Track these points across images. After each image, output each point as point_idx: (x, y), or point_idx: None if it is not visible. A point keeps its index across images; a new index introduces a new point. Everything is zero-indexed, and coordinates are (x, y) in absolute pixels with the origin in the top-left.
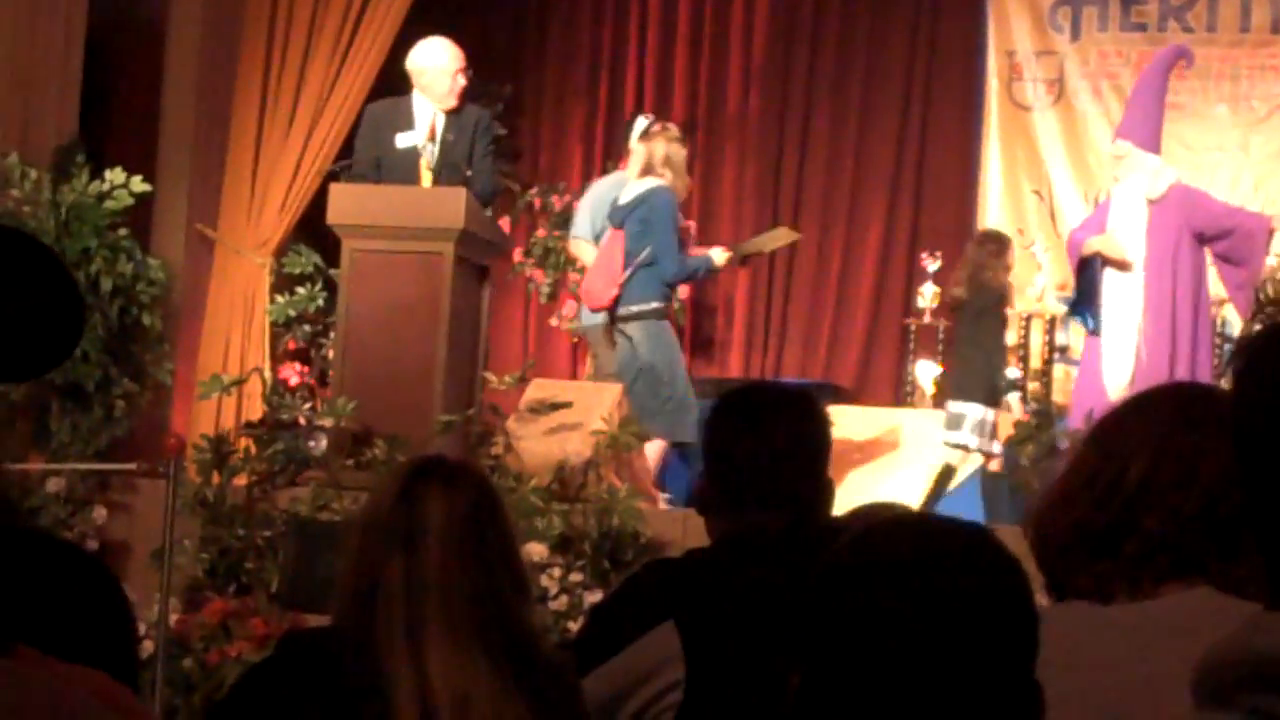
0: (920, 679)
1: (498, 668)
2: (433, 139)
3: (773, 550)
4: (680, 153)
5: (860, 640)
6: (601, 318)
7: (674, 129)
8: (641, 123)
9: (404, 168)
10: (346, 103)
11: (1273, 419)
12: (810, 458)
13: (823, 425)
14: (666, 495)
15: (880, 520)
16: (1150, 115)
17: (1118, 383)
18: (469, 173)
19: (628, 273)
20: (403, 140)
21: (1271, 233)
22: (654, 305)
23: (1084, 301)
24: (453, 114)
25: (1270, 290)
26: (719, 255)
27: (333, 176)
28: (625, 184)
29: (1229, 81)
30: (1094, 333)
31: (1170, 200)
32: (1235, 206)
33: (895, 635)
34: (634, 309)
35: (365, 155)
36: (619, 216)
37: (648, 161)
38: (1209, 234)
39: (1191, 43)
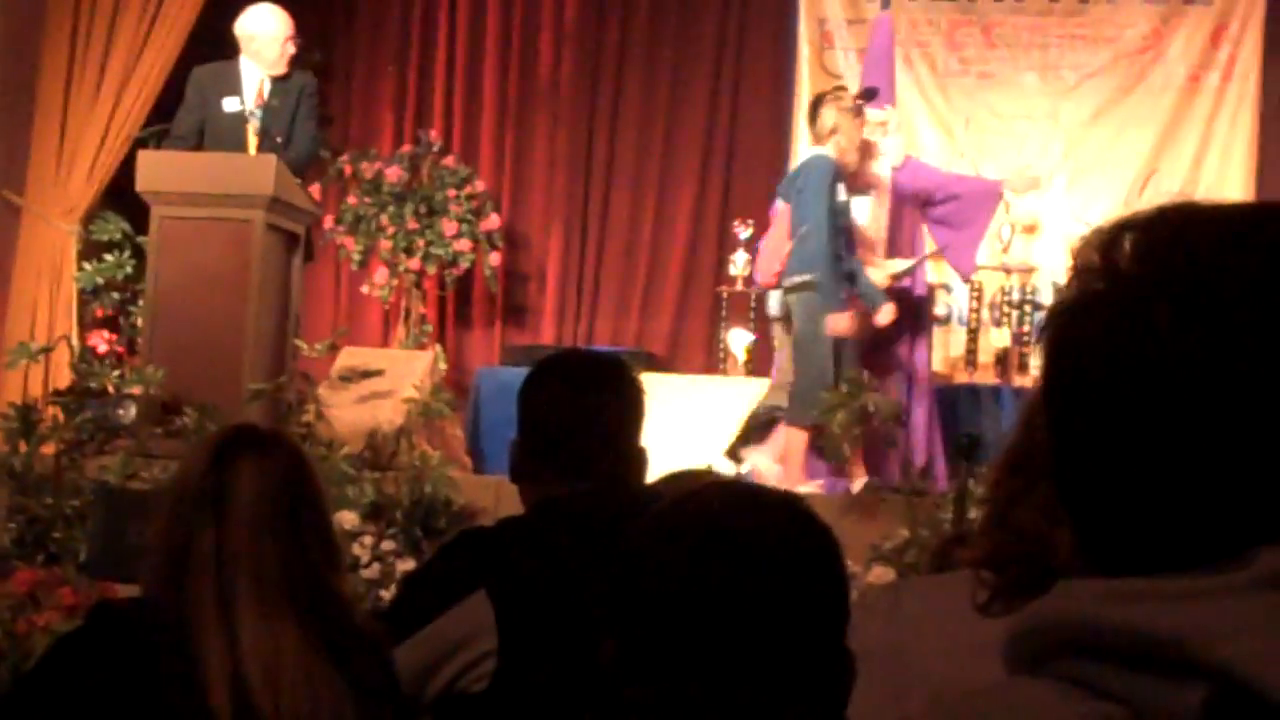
0: (733, 644)
1: (309, 637)
2: (260, 105)
3: (585, 517)
4: (849, 122)
5: (674, 605)
6: (778, 296)
7: (846, 97)
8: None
9: (230, 133)
10: (155, 67)
11: (1080, 384)
12: (623, 425)
13: (636, 392)
14: (819, 483)
15: (693, 488)
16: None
17: None
18: (279, 139)
19: (789, 245)
20: (230, 105)
21: (999, 196)
22: (807, 277)
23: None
24: (279, 80)
25: (1084, 252)
26: (885, 314)
27: (142, 143)
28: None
29: (1038, 50)
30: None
31: (907, 167)
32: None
33: (708, 601)
34: (794, 280)
35: (189, 119)
36: (783, 189)
37: (817, 130)
38: (937, 198)
39: (1001, 12)
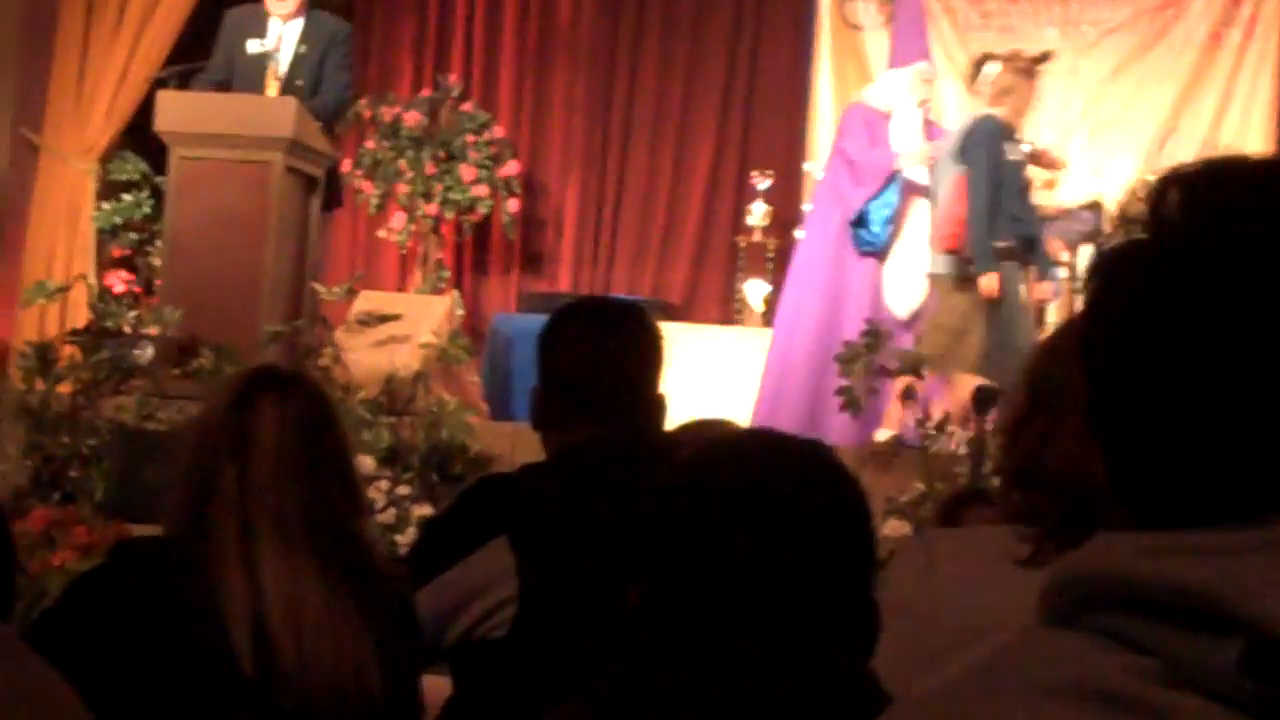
0: (760, 591)
1: (330, 576)
2: (279, 48)
3: (605, 464)
4: (1024, 84)
5: (702, 554)
6: (947, 262)
7: (1022, 58)
8: None
9: (252, 75)
10: (176, 8)
11: (1121, 332)
12: (644, 372)
13: (656, 340)
14: None
15: (720, 435)
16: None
17: (908, 305)
18: (300, 83)
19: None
20: (253, 46)
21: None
22: (1008, 244)
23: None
24: (309, 24)
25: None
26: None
27: (161, 83)
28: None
29: (1059, 5)
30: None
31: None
32: None
33: (737, 549)
34: (997, 245)
35: (217, 59)
36: (954, 151)
37: (982, 88)
38: None
39: None
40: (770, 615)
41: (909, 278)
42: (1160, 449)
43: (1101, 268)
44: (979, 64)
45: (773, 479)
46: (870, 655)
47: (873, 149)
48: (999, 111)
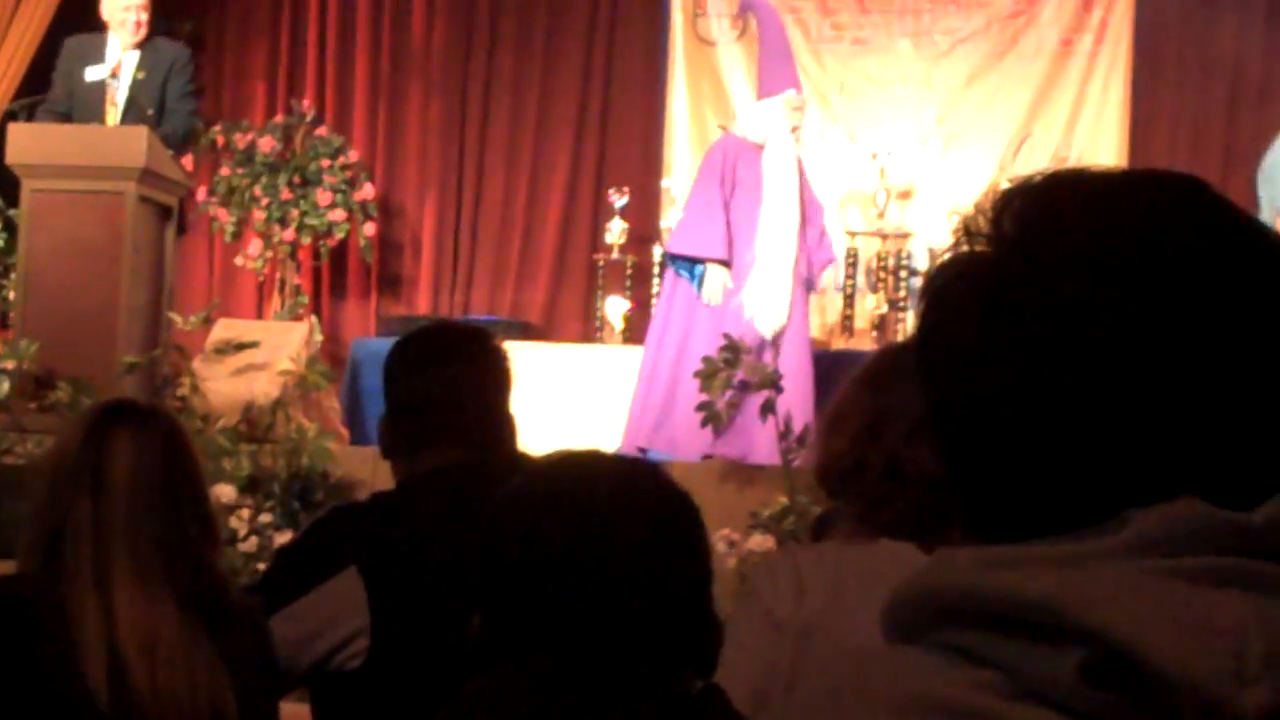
0: (595, 612)
1: (186, 611)
2: (116, 75)
3: (456, 490)
4: None
5: (534, 575)
6: None
7: None
8: None
9: (91, 102)
10: (24, 40)
11: (955, 343)
12: (491, 395)
13: (502, 361)
14: None
15: (549, 457)
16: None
17: (771, 324)
18: (150, 111)
19: None
20: (91, 74)
21: None
22: None
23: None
24: (147, 51)
25: (972, 218)
26: None
27: (11, 115)
28: None
29: (911, 16)
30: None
31: None
32: None
33: (567, 569)
34: None
35: (59, 89)
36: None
37: None
38: None
39: None
40: (607, 634)
41: (771, 297)
42: (996, 461)
43: (938, 280)
44: None
45: (598, 497)
46: (713, 669)
47: (745, 180)
48: None
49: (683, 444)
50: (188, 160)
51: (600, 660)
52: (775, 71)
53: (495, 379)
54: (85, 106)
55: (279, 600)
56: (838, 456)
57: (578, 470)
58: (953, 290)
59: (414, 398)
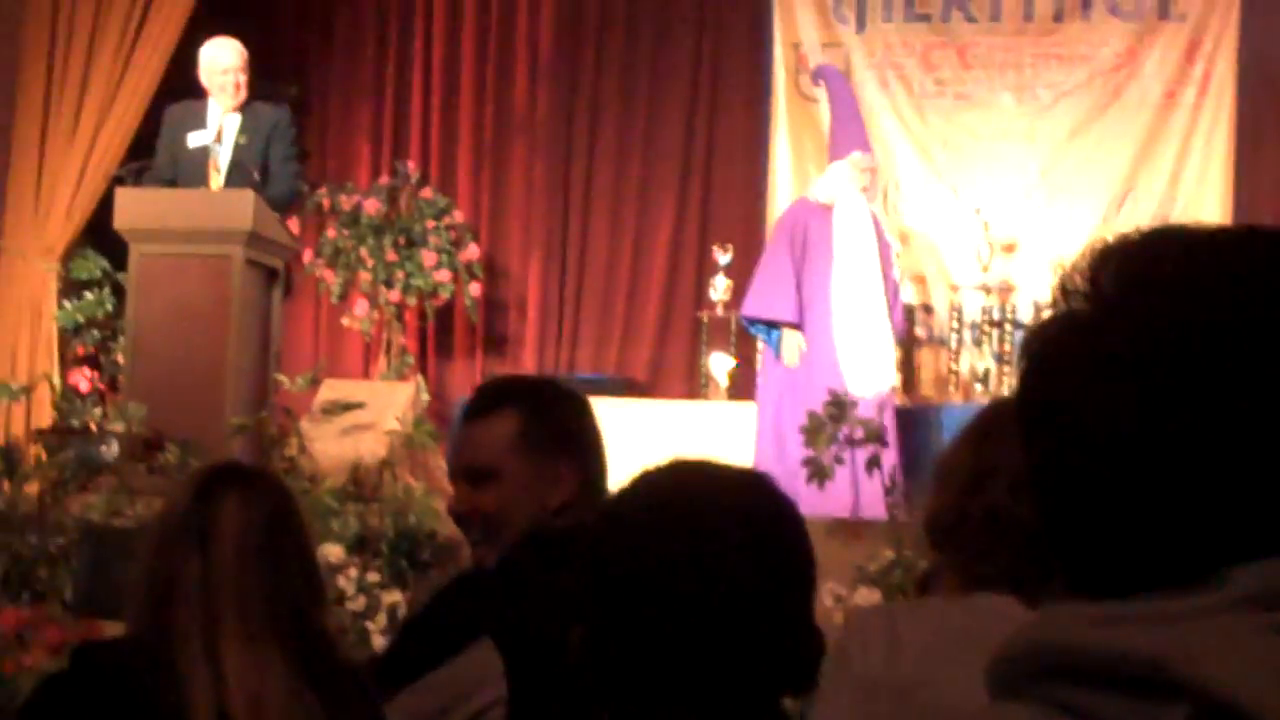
0: (696, 622)
1: (293, 669)
2: (219, 140)
3: (571, 548)
4: None
5: (642, 587)
6: None
7: None
8: None
9: (194, 168)
10: (131, 107)
11: (1057, 403)
12: (585, 448)
13: (585, 415)
14: None
15: (657, 467)
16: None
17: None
18: (256, 175)
19: None
20: (194, 140)
21: None
22: None
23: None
24: (248, 115)
25: (1069, 277)
26: None
27: (119, 180)
28: None
29: (1014, 70)
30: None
31: None
32: None
33: (675, 582)
34: None
35: (163, 154)
36: None
37: None
38: None
39: (976, 33)
40: (708, 647)
41: (867, 358)
42: (1097, 518)
43: (1038, 339)
44: None
45: (695, 502)
46: (813, 681)
47: (818, 242)
48: None
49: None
50: (293, 222)
51: (695, 671)
52: (844, 135)
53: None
54: (189, 173)
55: (408, 674)
56: (942, 510)
57: (686, 479)
58: (1053, 349)
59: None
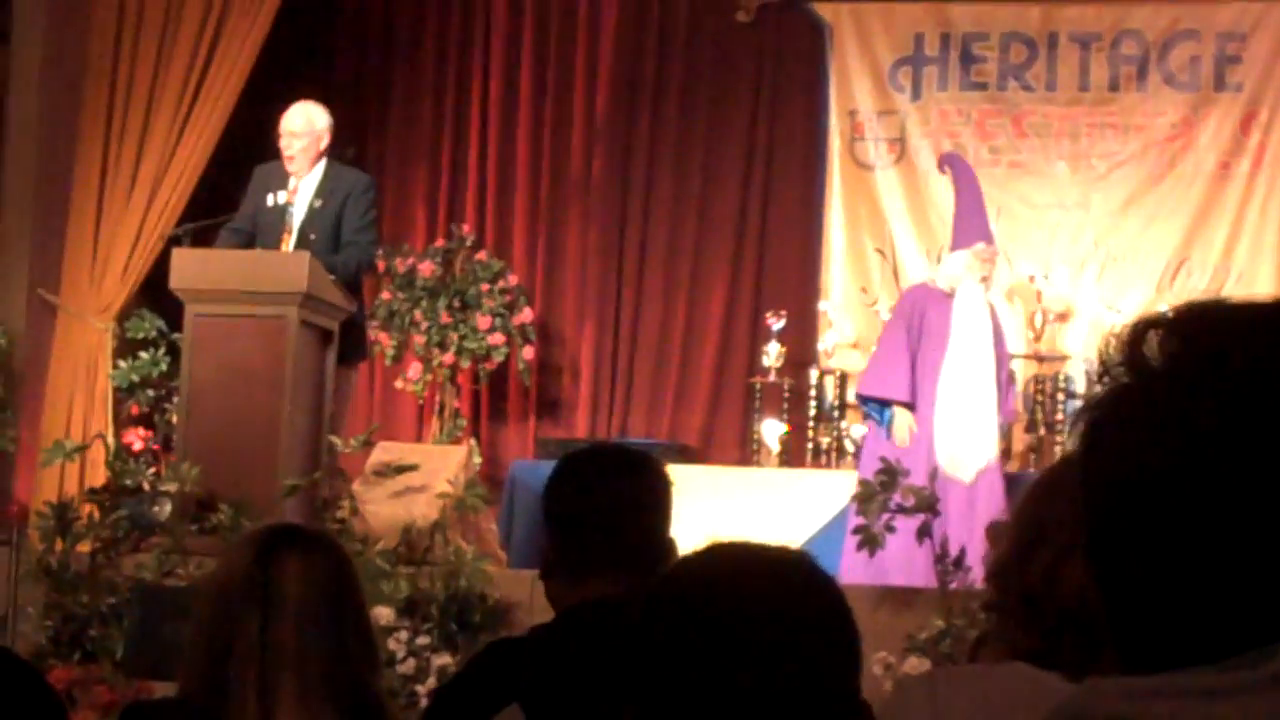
0: (742, 704)
1: None
2: (291, 201)
3: (615, 621)
4: None
5: (680, 671)
6: None
7: None
8: None
9: (270, 228)
10: (188, 167)
11: (1110, 479)
12: (650, 518)
13: (662, 484)
14: None
15: (699, 550)
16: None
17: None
18: (312, 236)
19: None
20: (271, 199)
21: None
22: None
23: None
24: (327, 178)
25: (1112, 350)
26: None
27: (175, 241)
28: None
29: (1069, 139)
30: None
31: None
32: None
33: (719, 664)
34: None
35: (244, 211)
36: None
37: None
38: None
39: (1031, 101)
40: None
41: (968, 442)
42: (1147, 588)
43: (1091, 413)
44: None
45: (751, 593)
46: None
47: (935, 327)
48: None
49: (893, 572)
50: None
51: None
52: (967, 225)
53: (655, 502)
54: (266, 232)
55: None
56: (996, 573)
57: (728, 562)
58: (1105, 427)
59: (574, 519)
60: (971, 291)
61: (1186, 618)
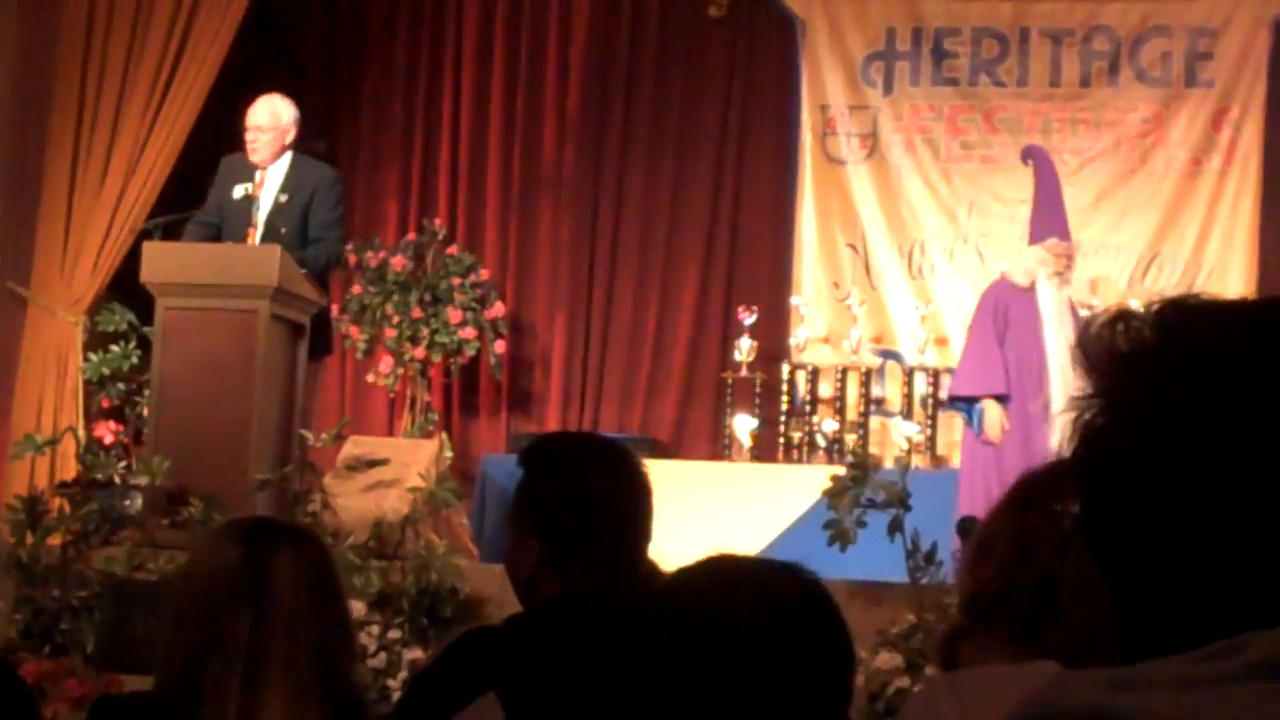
0: (739, 710)
1: None
2: (257, 194)
3: (593, 614)
4: None
5: (682, 687)
6: None
7: None
8: None
9: (236, 220)
10: (159, 161)
11: (1094, 470)
12: (625, 506)
13: (641, 477)
14: None
15: (691, 566)
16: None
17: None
18: (283, 230)
19: None
20: (237, 192)
21: None
22: None
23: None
24: (292, 172)
25: (1088, 342)
26: None
27: (146, 234)
28: None
29: (1040, 135)
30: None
31: None
32: None
33: (714, 680)
34: None
35: (212, 203)
36: None
37: None
38: None
39: (1002, 97)
40: None
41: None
42: (1129, 579)
43: (1073, 403)
44: None
45: (745, 608)
46: None
47: (1020, 321)
48: None
49: None
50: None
51: None
52: (1043, 220)
53: (635, 494)
54: (232, 224)
55: None
56: (986, 583)
57: (721, 577)
58: (1092, 424)
59: (556, 515)
60: (1045, 287)
61: (1167, 603)
